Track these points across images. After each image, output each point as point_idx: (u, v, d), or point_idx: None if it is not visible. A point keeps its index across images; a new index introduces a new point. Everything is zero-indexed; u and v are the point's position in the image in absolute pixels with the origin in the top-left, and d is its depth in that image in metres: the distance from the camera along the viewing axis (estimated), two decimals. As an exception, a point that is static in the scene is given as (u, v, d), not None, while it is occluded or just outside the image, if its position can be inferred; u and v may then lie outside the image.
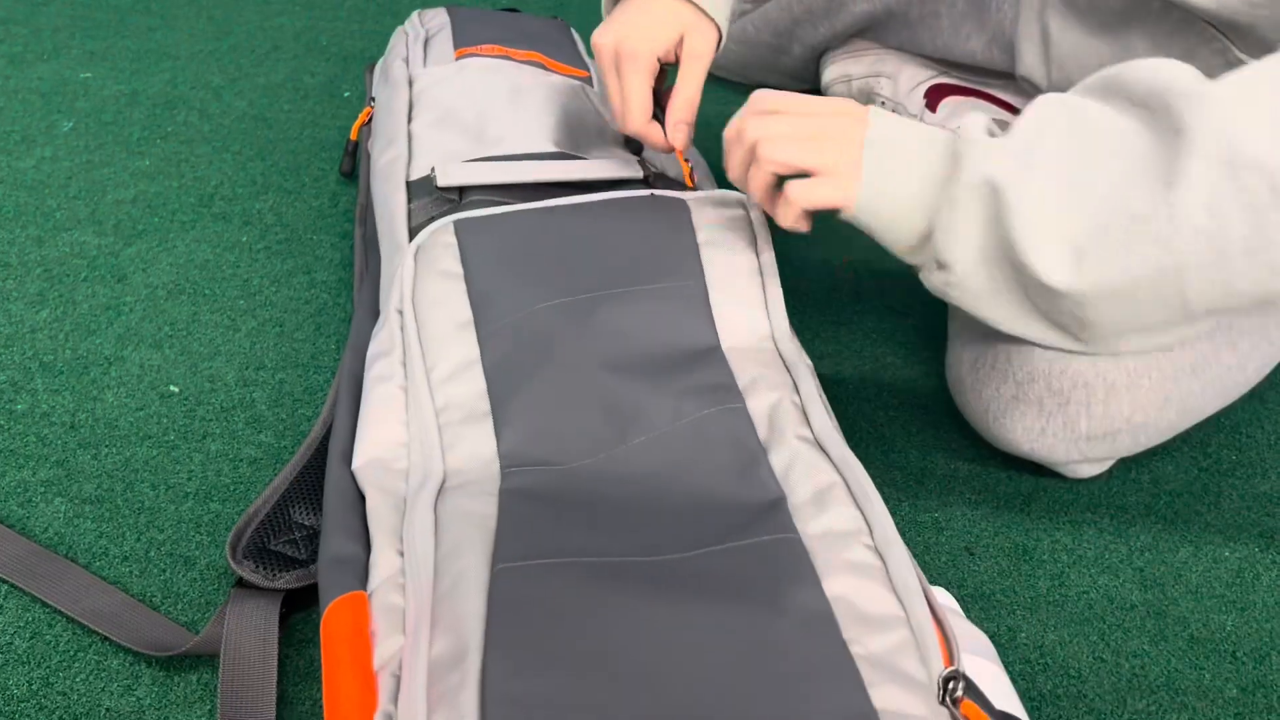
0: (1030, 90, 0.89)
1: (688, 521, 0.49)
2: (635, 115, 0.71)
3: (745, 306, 0.63)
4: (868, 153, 0.59)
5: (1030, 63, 0.88)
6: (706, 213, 0.68)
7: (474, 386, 0.59)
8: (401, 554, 0.51)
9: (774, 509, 0.49)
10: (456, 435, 0.56)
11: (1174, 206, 0.51)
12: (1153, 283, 0.54)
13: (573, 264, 0.63)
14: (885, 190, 0.59)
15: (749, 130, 0.62)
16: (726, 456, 0.53)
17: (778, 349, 0.62)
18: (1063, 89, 0.78)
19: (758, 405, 0.56)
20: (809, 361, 0.62)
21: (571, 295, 0.61)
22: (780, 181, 0.62)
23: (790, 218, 0.62)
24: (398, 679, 0.45)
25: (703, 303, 0.62)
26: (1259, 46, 0.71)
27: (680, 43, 0.71)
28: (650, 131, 0.72)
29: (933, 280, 0.61)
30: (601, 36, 0.71)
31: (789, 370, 0.60)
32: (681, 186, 0.80)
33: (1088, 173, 0.54)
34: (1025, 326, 0.60)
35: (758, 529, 0.48)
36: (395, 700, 0.44)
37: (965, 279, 0.59)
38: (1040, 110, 0.57)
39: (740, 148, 0.63)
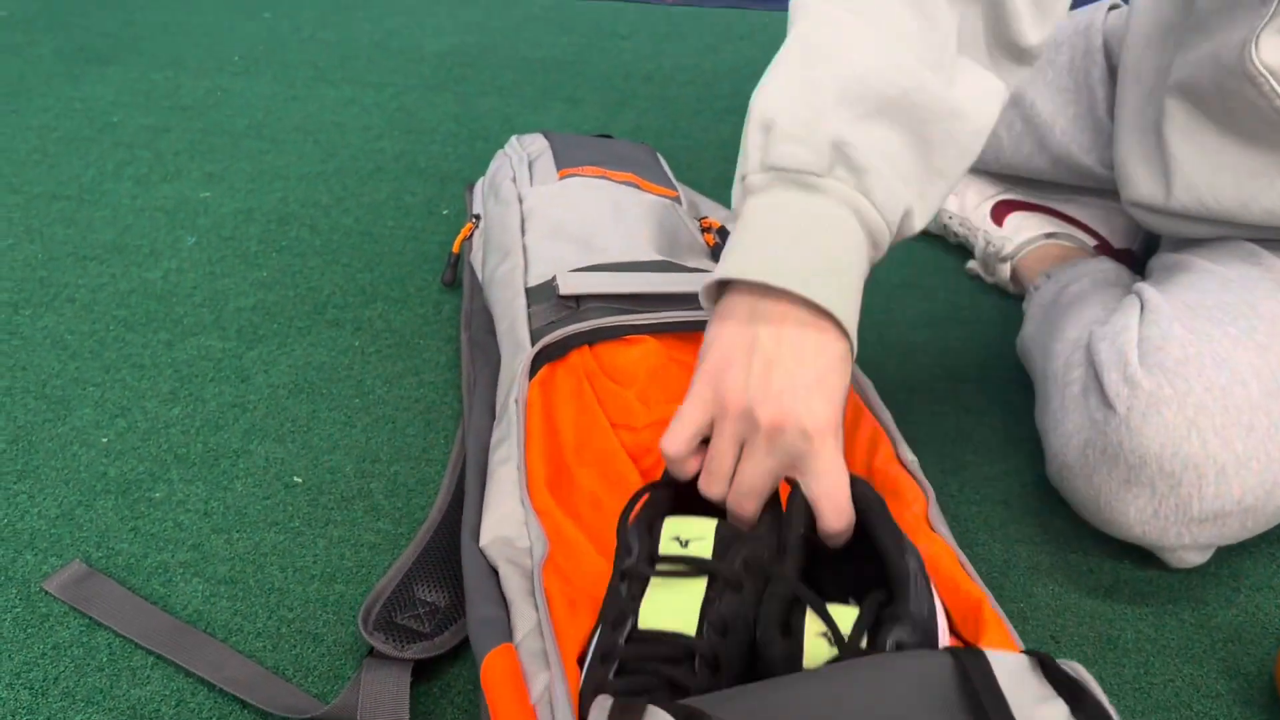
0: (1143, 216, 0.85)
1: None
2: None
3: None
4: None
5: (1144, 188, 0.83)
6: None
7: None
8: (537, 608, 0.56)
9: None
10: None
11: None
12: None
13: None
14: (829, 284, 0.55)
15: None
16: None
17: None
18: (1190, 213, 0.79)
19: None
20: None
21: None
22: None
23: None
24: (552, 708, 0.49)
25: None
26: None
27: None
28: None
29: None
30: None
31: None
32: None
33: None
34: None
35: None
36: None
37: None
38: None
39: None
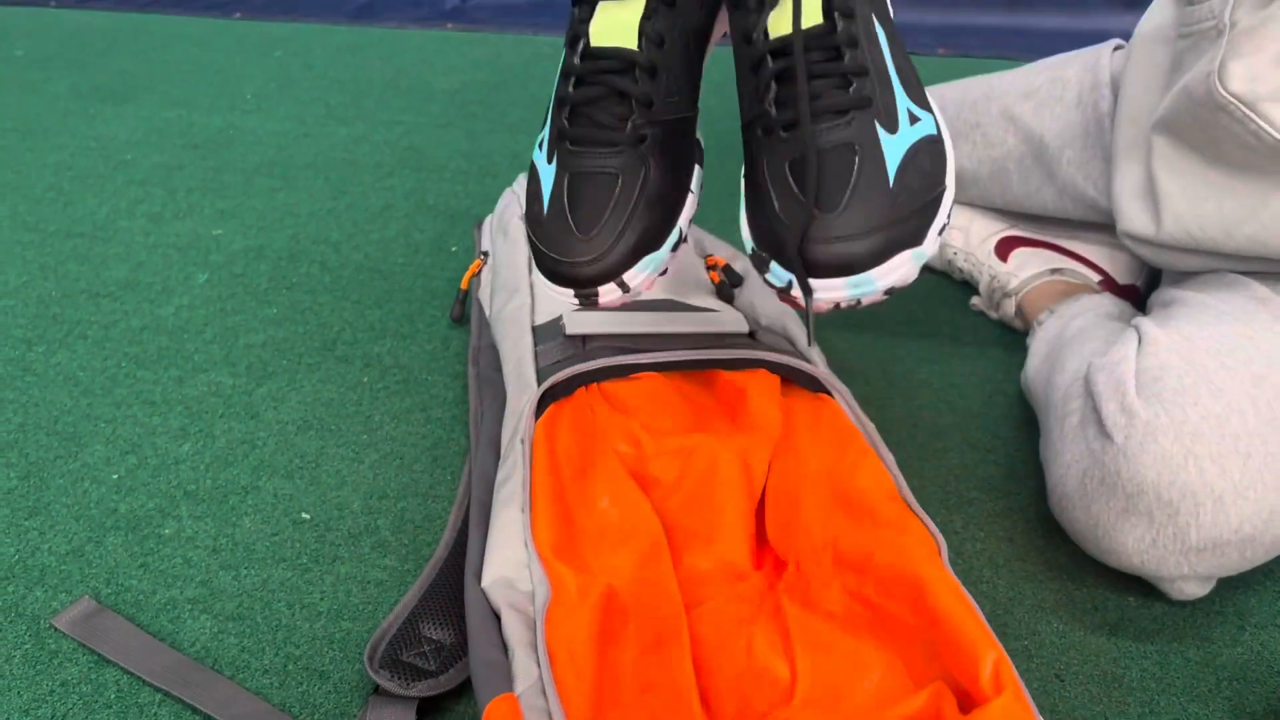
0: (1135, 247, 0.87)
1: None
2: None
3: None
4: None
5: (1137, 221, 0.86)
6: None
7: None
8: (539, 664, 0.56)
9: None
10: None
11: None
12: None
13: None
14: None
15: None
16: None
17: None
18: (1179, 244, 0.82)
19: None
20: None
21: None
22: None
23: None
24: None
25: None
26: None
27: None
28: None
29: None
30: None
31: None
32: (786, 340, 0.87)
33: None
34: None
35: None
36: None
37: None
38: None
39: None
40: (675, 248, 0.64)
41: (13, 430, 0.93)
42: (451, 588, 0.73)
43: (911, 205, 0.56)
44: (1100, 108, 0.99)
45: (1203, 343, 0.71)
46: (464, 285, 1.06)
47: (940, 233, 0.59)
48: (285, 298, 1.14)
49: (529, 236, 0.63)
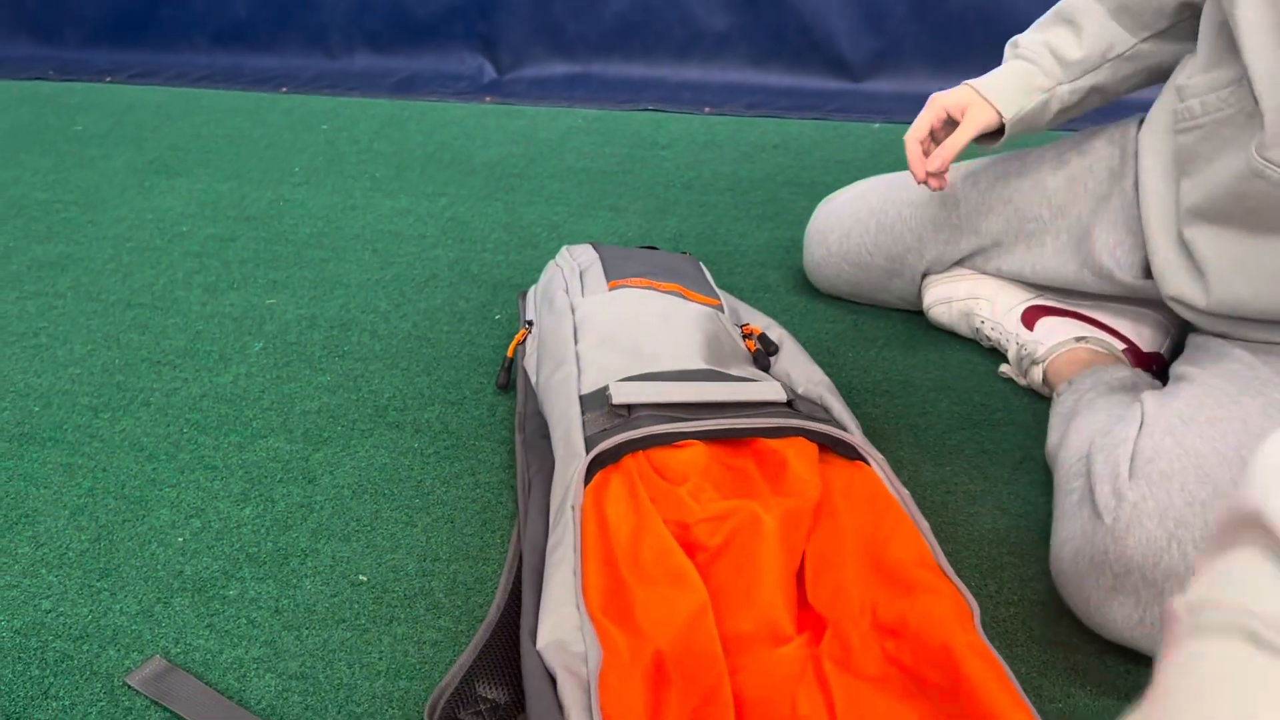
0: (1183, 311, 0.92)
1: None
2: (910, 135, 1.04)
3: None
4: None
5: (1186, 289, 0.90)
6: None
7: None
8: (595, 725, 0.59)
9: None
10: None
11: None
12: None
13: None
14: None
15: None
16: None
17: None
18: (1226, 311, 0.86)
19: None
20: None
21: None
22: None
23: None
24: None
25: None
26: None
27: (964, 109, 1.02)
28: (911, 151, 1.04)
29: None
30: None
31: None
32: (822, 409, 0.90)
33: None
34: None
35: None
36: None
37: None
38: None
39: None
40: None
41: (83, 495, 0.98)
42: (505, 649, 0.76)
43: None
44: (1127, 180, 1.02)
45: (1198, 427, 0.75)
46: (510, 354, 1.10)
47: None
48: (338, 365, 1.18)
49: None
